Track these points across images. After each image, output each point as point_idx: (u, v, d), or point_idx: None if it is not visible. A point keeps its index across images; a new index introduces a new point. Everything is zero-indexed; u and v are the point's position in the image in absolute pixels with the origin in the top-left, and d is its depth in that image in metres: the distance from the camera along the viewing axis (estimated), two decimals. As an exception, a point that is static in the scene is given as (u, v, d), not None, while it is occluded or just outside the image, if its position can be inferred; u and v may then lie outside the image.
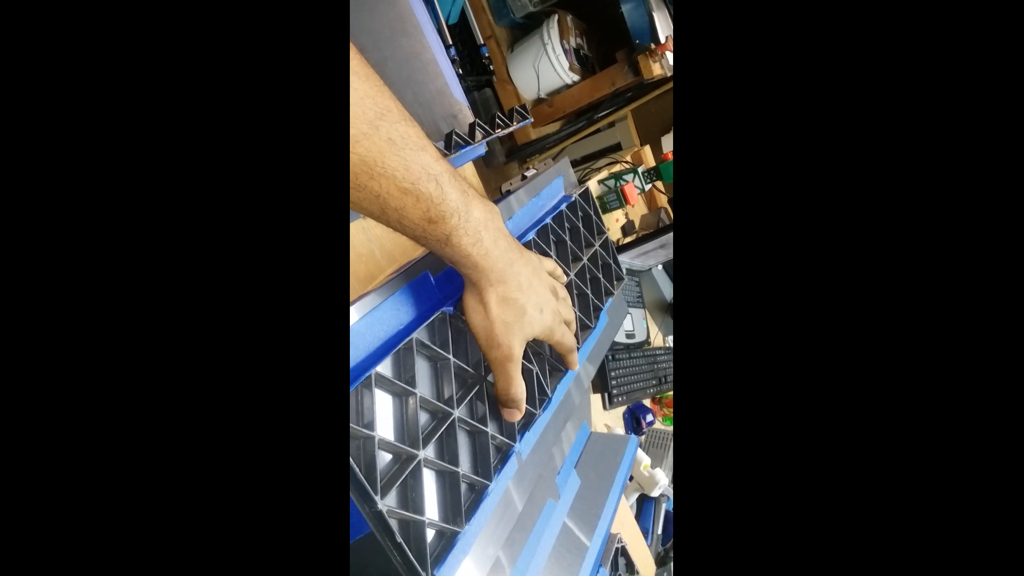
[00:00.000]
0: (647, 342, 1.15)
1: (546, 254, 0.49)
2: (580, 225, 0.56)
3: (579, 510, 0.56)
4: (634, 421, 1.04)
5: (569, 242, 0.52)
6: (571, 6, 1.84)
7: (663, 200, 1.32)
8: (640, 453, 0.91)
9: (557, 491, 0.54)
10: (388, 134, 0.27)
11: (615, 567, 0.63)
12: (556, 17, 1.74)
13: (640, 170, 1.11)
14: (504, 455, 0.39)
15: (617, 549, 0.65)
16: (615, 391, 0.97)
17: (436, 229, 0.30)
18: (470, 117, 0.55)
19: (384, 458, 0.31)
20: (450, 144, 0.48)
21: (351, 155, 0.26)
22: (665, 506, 0.97)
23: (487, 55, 1.81)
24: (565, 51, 1.73)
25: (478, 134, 0.50)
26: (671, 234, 1.01)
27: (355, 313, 0.32)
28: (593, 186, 1.17)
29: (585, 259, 0.54)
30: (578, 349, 0.49)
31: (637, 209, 1.32)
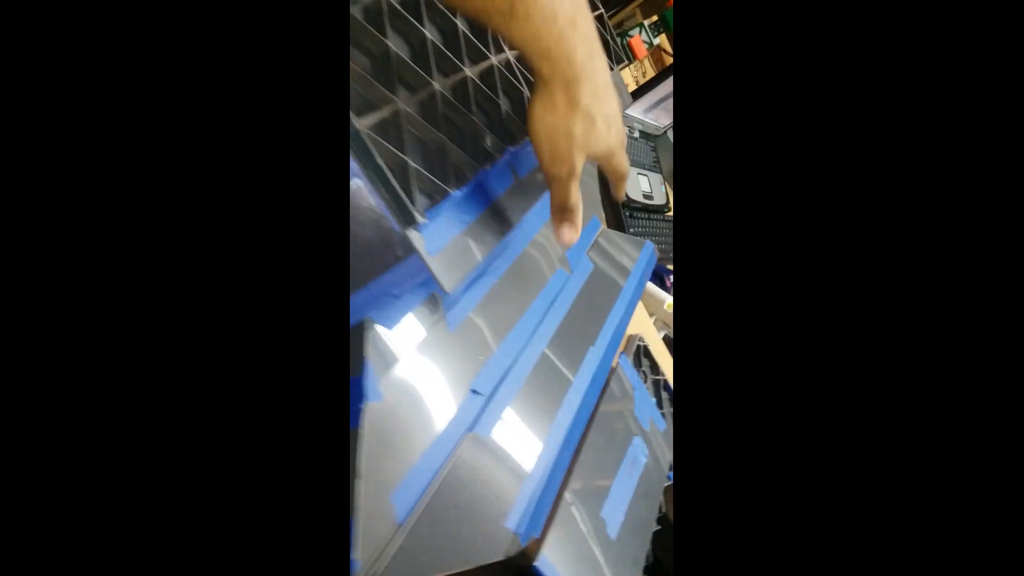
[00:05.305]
0: (666, 207, 1.12)
1: None
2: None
3: (590, 297, 0.55)
4: (657, 280, 1.02)
5: None
6: None
7: (670, 61, 1.26)
8: (662, 292, 0.90)
9: (568, 263, 0.53)
10: None
11: (638, 364, 0.62)
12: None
13: (646, 23, 1.06)
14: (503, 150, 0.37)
15: (639, 347, 0.64)
16: (634, 245, 0.95)
17: None
18: None
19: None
20: None
21: None
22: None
23: None
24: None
25: None
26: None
27: None
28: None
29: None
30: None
31: (646, 75, 1.27)
